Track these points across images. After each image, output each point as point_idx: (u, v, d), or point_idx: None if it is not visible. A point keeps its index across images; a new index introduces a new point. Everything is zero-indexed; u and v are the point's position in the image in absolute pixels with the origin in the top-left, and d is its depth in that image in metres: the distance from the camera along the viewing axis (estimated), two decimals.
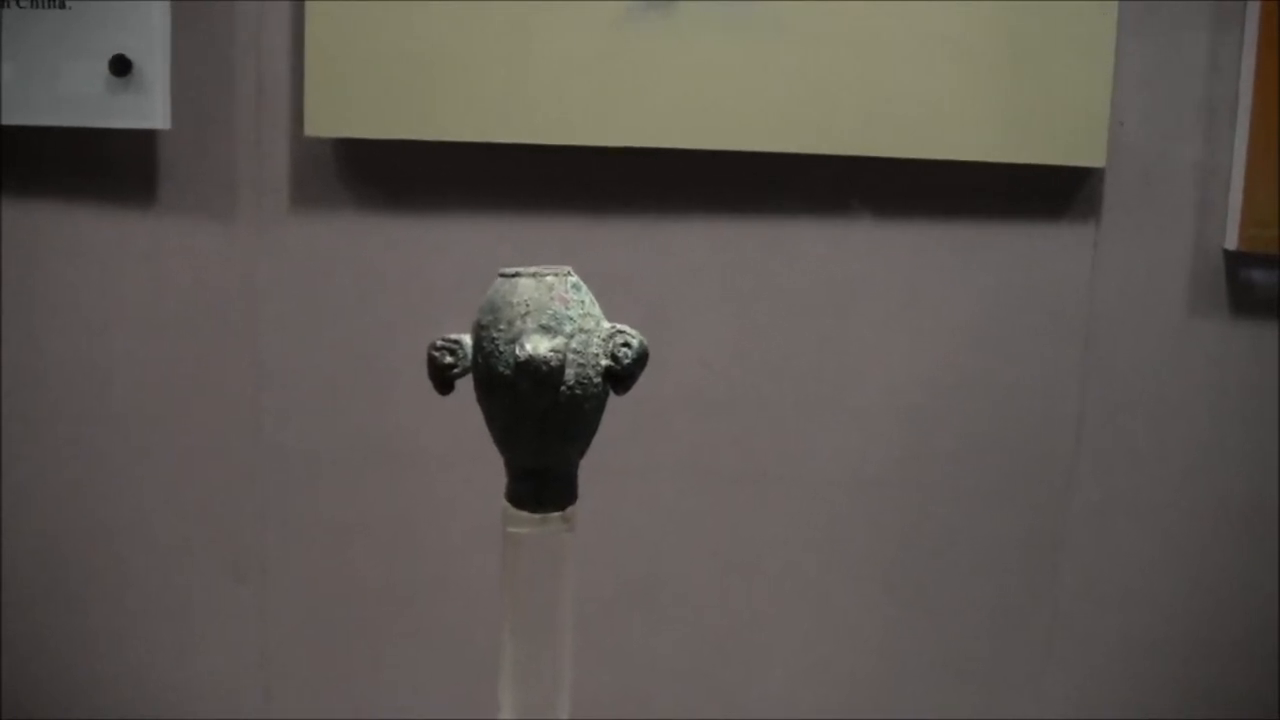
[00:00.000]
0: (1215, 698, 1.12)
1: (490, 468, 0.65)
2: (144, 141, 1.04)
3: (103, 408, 1.09)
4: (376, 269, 1.06)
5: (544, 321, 0.61)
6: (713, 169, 1.04)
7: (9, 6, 0.99)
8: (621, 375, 0.62)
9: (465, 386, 0.64)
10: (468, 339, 0.63)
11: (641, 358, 0.62)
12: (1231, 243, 1.04)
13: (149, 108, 1.00)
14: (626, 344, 0.62)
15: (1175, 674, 1.12)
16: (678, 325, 1.06)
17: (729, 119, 1.01)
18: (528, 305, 0.61)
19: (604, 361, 0.62)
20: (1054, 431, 1.08)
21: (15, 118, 1.00)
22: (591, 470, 0.69)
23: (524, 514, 0.64)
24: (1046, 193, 1.05)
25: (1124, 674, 1.12)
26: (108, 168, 1.05)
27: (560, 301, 0.61)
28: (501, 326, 0.61)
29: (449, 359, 0.62)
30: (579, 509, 0.66)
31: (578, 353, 0.61)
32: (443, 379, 0.62)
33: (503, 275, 0.62)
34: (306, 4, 0.99)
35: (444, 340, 0.63)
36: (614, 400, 0.64)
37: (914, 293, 1.07)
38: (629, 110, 1.00)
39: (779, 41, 0.99)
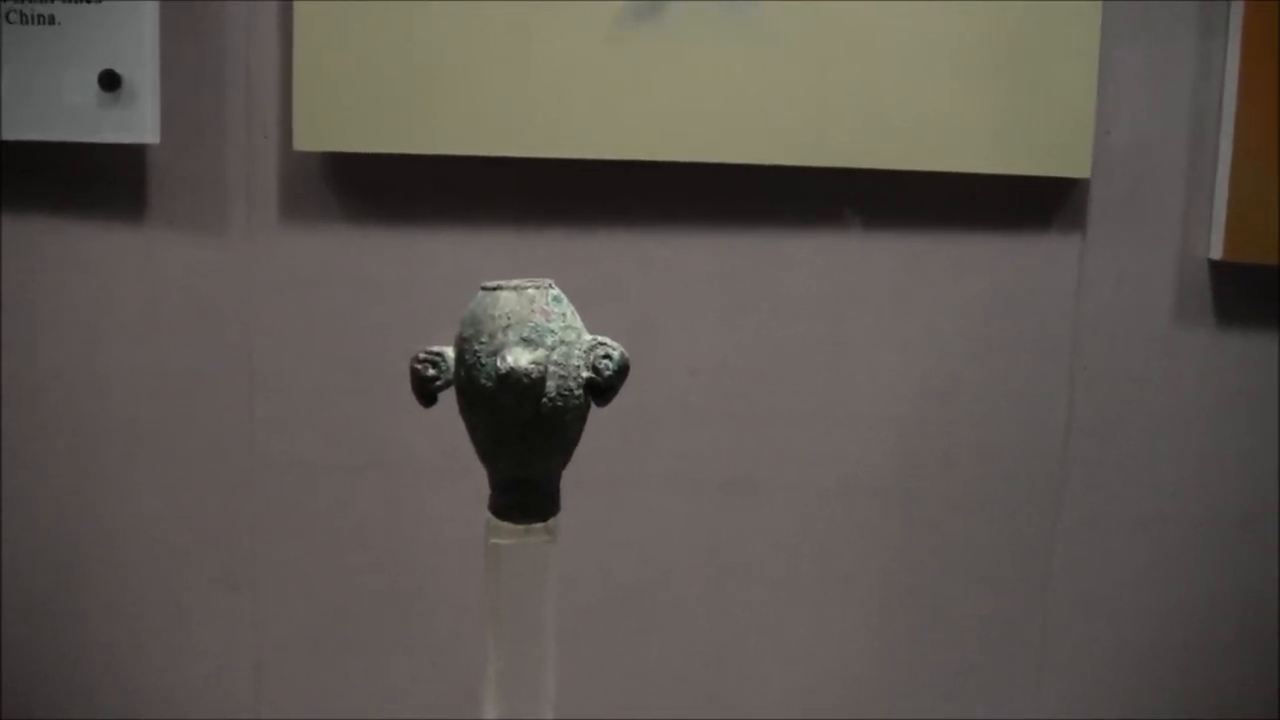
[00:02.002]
0: (1208, 706, 1.12)
1: (482, 476, 0.66)
2: (134, 156, 1.04)
3: (97, 418, 1.09)
4: (366, 281, 1.06)
5: (525, 334, 0.61)
6: (702, 180, 1.04)
7: None
8: (602, 387, 0.63)
9: (449, 398, 0.64)
10: (450, 352, 0.63)
11: (622, 369, 0.63)
12: (1217, 252, 1.05)
13: (138, 122, 1.00)
14: (607, 356, 0.63)
15: (1167, 682, 1.12)
16: (668, 336, 1.07)
17: (717, 132, 1.01)
18: (509, 318, 0.61)
19: (585, 373, 0.62)
20: (1042, 440, 1.09)
21: (5, 133, 1.00)
22: (582, 481, 0.69)
23: (507, 525, 0.65)
24: (1032, 203, 1.05)
25: (1116, 683, 1.12)
26: (98, 182, 1.06)
27: (541, 314, 0.62)
28: (483, 339, 0.62)
29: (431, 371, 0.63)
30: (567, 519, 0.66)
31: (559, 365, 0.62)
32: (425, 391, 0.63)
33: (484, 288, 0.63)
34: (295, 19, 1.00)
35: (426, 353, 0.63)
36: (604, 411, 0.64)
37: (902, 303, 1.07)
38: (620, 123, 1.01)
39: (766, 57, 1.00)
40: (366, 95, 1.00)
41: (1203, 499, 1.10)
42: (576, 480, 0.67)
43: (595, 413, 0.65)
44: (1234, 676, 1.12)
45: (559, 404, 0.62)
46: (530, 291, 0.62)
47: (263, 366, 1.08)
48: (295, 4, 0.99)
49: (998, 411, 1.08)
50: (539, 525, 0.65)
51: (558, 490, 0.66)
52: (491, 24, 0.99)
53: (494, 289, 0.62)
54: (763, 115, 1.01)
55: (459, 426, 0.64)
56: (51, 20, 0.99)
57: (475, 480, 0.66)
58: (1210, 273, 1.07)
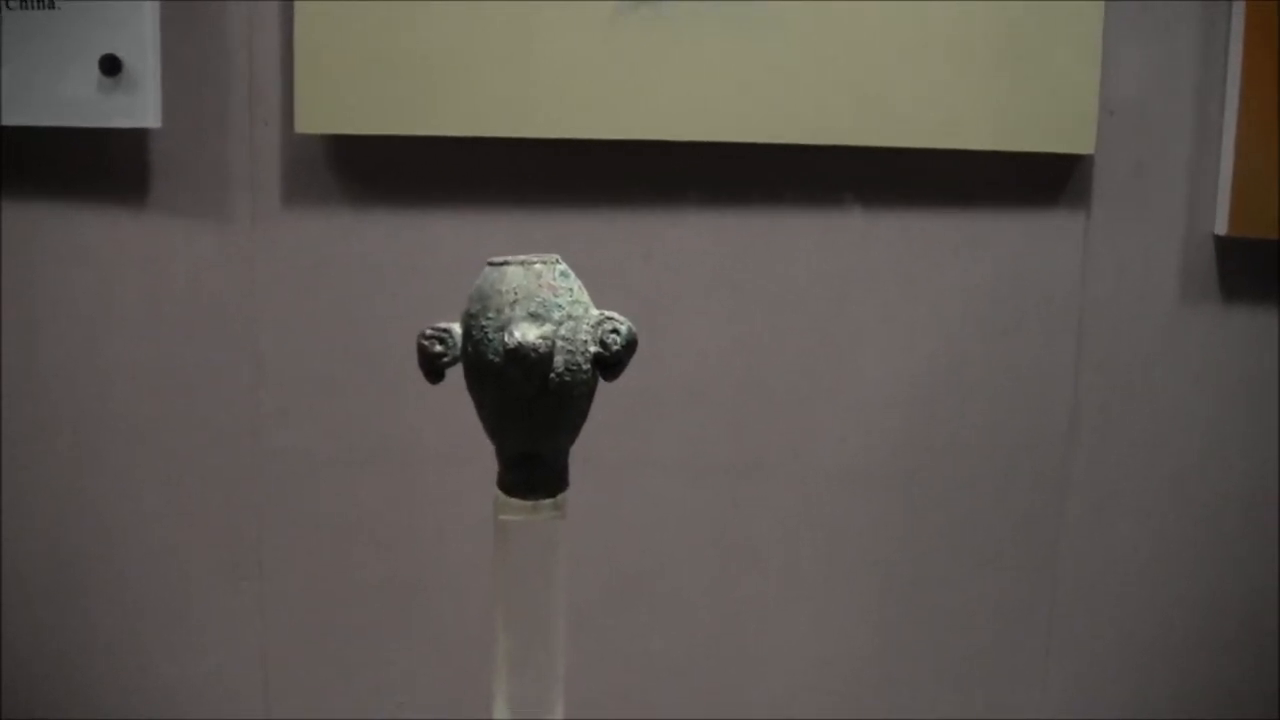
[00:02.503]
0: (1216, 693, 1.12)
1: (488, 464, 0.66)
2: (135, 140, 1.04)
3: (100, 407, 1.09)
4: (370, 264, 1.06)
5: (532, 309, 0.61)
6: (705, 160, 1.04)
7: None
8: (610, 362, 0.63)
9: (457, 377, 0.64)
10: (457, 328, 0.63)
11: (630, 344, 0.63)
12: (1222, 228, 1.05)
13: (140, 107, 1.00)
14: (615, 330, 0.62)
15: (1174, 669, 1.12)
16: (672, 317, 1.07)
17: (720, 111, 1.01)
18: (516, 293, 0.61)
19: (592, 348, 0.62)
20: (1048, 422, 1.09)
21: (6, 118, 1.00)
22: (586, 463, 0.69)
23: (516, 501, 0.65)
24: (1037, 181, 1.05)
25: (1123, 669, 1.12)
26: (100, 167, 1.05)
27: (549, 289, 0.62)
28: (490, 315, 0.61)
29: (438, 348, 0.63)
30: (573, 502, 0.66)
31: (566, 340, 0.62)
32: (432, 368, 0.63)
33: (491, 264, 0.63)
34: (296, 1, 0.99)
35: (433, 329, 0.63)
36: (608, 392, 0.64)
37: (906, 283, 1.07)
38: (622, 103, 1.01)
39: (771, 33, 1.00)
40: (369, 77, 1.00)
41: (1210, 476, 1.10)
42: (581, 464, 0.67)
43: (599, 395, 0.65)
44: (1242, 663, 1.12)
45: (567, 379, 0.62)
46: (537, 266, 0.62)
47: (266, 352, 1.08)
48: None
49: (1003, 393, 1.08)
50: (547, 501, 0.65)
51: (566, 466, 0.66)
52: (493, 5, 0.99)
53: (501, 264, 0.62)
54: (765, 93, 1.00)
55: (465, 415, 0.64)
56: (52, 5, 0.99)
57: (481, 469, 0.66)
58: (1215, 248, 1.07)
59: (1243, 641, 1.12)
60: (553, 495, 0.65)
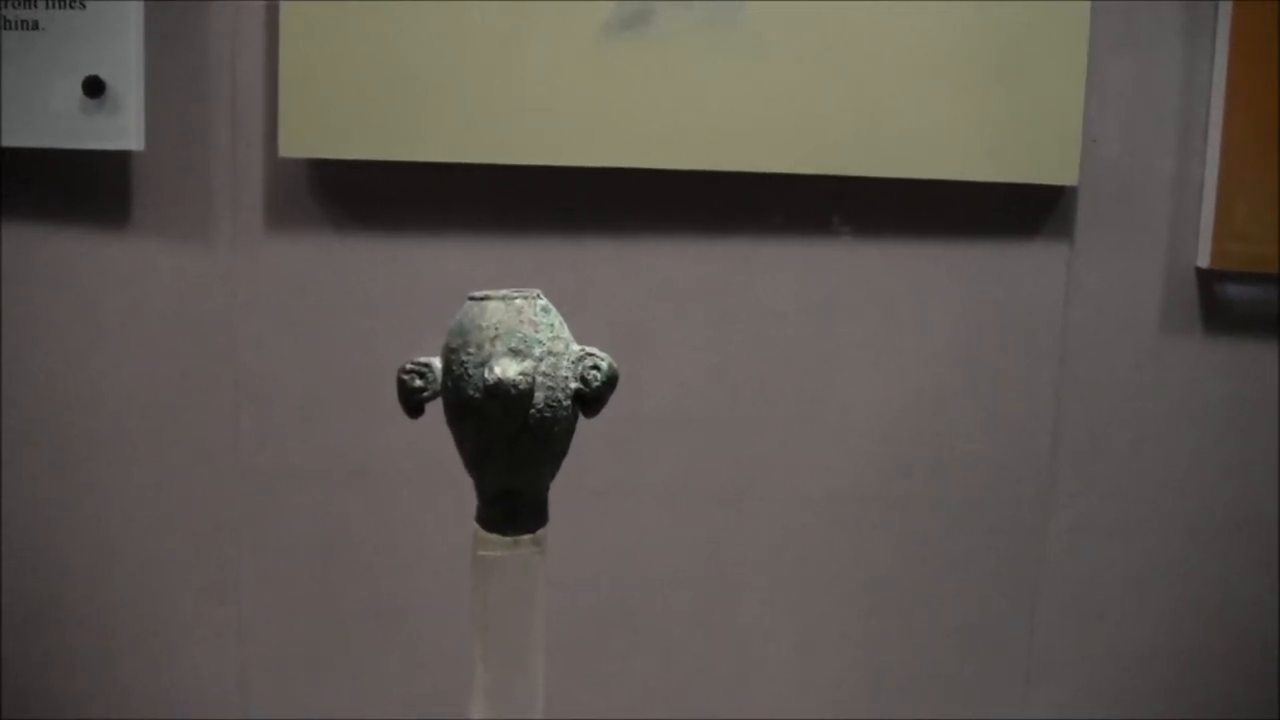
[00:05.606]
0: (1198, 715, 1.12)
1: (469, 485, 0.65)
2: (118, 163, 1.04)
3: (81, 427, 1.08)
4: (353, 289, 1.06)
5: (513, 345, 0.61)
6: (688, 188, 1.04)
7: None
8: (590, 398, 0.62)
9: (436, 408, 0.64)
10: (437, 362, 0.63)
11: (610, 380, 0.63)
12: (1204, 260, 1.05)
13: (123, 129, 0.99)
14: (595, 367, 0.62)
15: (1156, 692, 1.12)
16: (655, 345, 1.07)
17: (705, 140, 1.01)
18: (496, 328, 0.61)
19: (573, 384, 0.62)
20: (1031, 448, 1.09)
21: None
22: (571, 491, 0.69)
23: (495, 537, 0.64)
24: (1020, 211, 1.05)
25: (1105, 690, 1.12)
26: (82, 189, 1.05)
27: (529, 324, 0.62)
28: (470, 350, 0.61)
29: (418, 383, 0.62)
30: (556, 531, 0.66)
31: (547, 375, 0.61)
32: (412, 403, 0.62)
33: (471, 299, 0.63)
34: (281, 25, 0.99)
35: (413, 364, 0.63)
36: (593, 421, 0.64)
37: (890, 310, 1.07)
38: (607, 130, 1.00)
39: (752, 64, 1.00)
40: (353, 102, 1.00)
41: (1191, 507, 1.10)
42: (564, 491, 0.67)
43: (583, 423, 0.64)
44: (1225, 683, 1.12)
45: (547, 415, 0.62)
46: (518, 302, 0.62)
47: (248, 375, 1.07)
48: (281, 10, 0.99)
49: (986, 420, 1.08)
50: (527, 537, 0.65)
51: (546, 502, 0.65)
52: (478, 31, 0.99)
53: (481, 299, 0.62)
54: (749, 122, 1.00)
55: (446, 437, 0.64)
56: (35, 26, 0.98)
57: (463, 491, 0.66)
58: (1197, 281, 1.07)
59: (1226, 663, 1.12)
60: (532, 531, 0.65)
